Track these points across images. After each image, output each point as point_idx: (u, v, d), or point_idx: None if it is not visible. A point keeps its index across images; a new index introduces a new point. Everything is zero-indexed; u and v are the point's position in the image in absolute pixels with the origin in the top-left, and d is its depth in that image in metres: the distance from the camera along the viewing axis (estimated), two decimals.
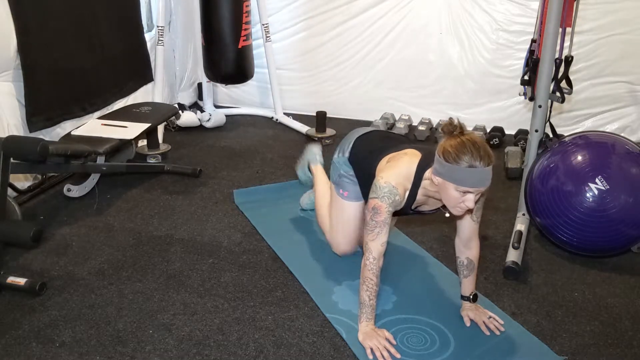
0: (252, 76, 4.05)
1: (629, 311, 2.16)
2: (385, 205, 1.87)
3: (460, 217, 1.95)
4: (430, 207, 2.04)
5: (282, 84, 4.36)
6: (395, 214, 2.02)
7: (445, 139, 1.75)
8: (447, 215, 1.94)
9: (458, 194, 1.74)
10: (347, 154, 2.26)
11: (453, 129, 1.74)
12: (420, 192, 1.93)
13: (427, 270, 2.39)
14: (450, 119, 1.77)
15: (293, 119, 4.23)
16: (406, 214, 2.09)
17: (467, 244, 2.03)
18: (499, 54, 3.95)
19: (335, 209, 2.34)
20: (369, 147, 2.18)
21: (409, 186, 1.92)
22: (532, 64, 2.61)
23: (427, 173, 1.88)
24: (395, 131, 3.96)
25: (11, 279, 2.16)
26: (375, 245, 1.90)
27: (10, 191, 2.54)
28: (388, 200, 1.87)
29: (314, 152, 2.75)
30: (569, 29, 2.58)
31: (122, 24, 3.60)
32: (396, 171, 1.92)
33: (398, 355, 1.85)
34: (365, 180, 2.11)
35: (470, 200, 1.73)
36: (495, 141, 3.81)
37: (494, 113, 4.07)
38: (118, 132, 3.01)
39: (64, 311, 2.08)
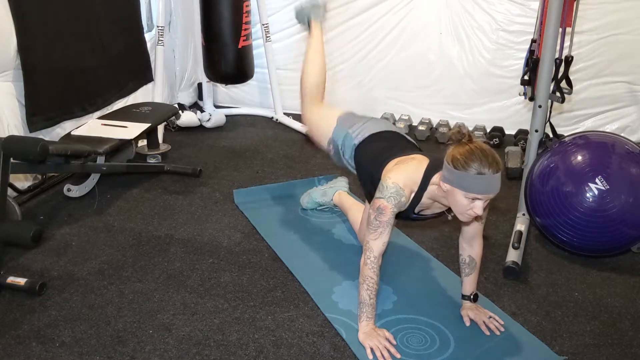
0: (252, 76, 4.05)
1: (629, 311, 2.16)
2: (391, 206, 1.87)
3: (468, 223, 1.96)
4: (434, 211, 2.04)
5: (282, 84, 4.35)
6: (397, 218, 2.02)
7: (454, 147, 1.76)
8: (450, 218, 1.94)
9: (467, 201, 1.75)
10: (356, 141, 2.22)
11: (461, 136, 1.76)
12: (425, 195, 1.92)
13: (427, 270, 2.39)
14: (459, 126, 1.79)
15: (293, 119, 4.22)
16: (409, 218, 2.08)
17: (470, 242, 2.04)
18: (499, 54, 3.95)
19: (321, 120, 2.41)
20: (378, 149, 2.15)
21: (416, 189, 1.92)
22: (532, 64, 2.61)
23: (435, 178, 1.88)
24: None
25: (11, 279, 2.16)
26: (377, 245, 1.90)
27: (10, 191, 2.54)
28: (394, 201, 1.87)
29: (319, 12, 2.63)
30: (569, 29, 2.58)
31: (122, 24, 3.59)
32: (404, 173, 1.92)
33: (398, 355, 1.85)
34: (367, 181, 2.11)
35: (478, 207, 1.74)
36: (495, 141, 3.81)
37: (494, 113, 4.07)
38: (118, 132, 3.01)
39: (64, 311, 2.08)
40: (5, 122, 2.75)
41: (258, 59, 4.19)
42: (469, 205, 1.75)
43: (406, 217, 2.05)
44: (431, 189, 1.90)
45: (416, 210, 1.99)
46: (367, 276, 1.91)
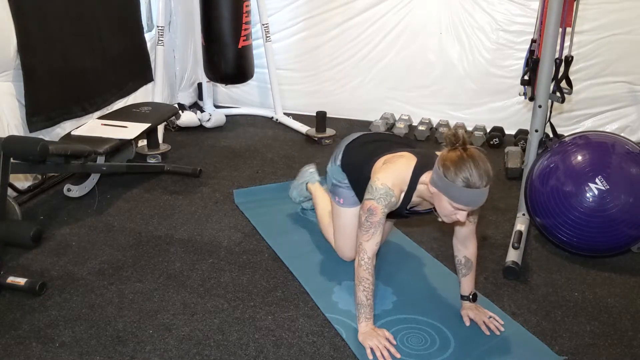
0: (252, 76, 4.06)
1: (629, 311, 2.16)
2: (381, 206, 1.87)
3: (453, 223, 1.96)
4: (425, 208, 2.05)
5: (282, 84, 4.36)
6: (391, 215, 2.03)
7: (447, 150, 1.75)
8: (440, 220, 1.95)
9: (451, 208, 1.76)
10: (338, 162, 2.27)
11: (456, 140, 1.73)
12: (415, 194, 1.94)
13: (427, 270, 2.39)
14: (456, 129, 1.77)
15: (293, 119, 4.23)
16: (402, 216, 2.09)
17: (464, 243, 2.04)
18: (499, 54, 3.95)
19: (335, 217, 2.37)
20: (361, 152, 2.18)
21: (405, 188, 1.92)
22: (532, 64, 2.61)
23: (424, 177, 1.88)
24: (395, 131, 3.96)
25: (11, 279, 2.16)
26: (370, 246, 1.90)
27: (10, 191, 2.54)
28: (384, 201, 1.87)
29: (310, 172, 2.75)
30: (569, 29, 2.58)
31: (122, 24, 3.60)
32: (393, 173, 1.92)
33: (398, 355, 1.85)
34: (361, 184, 2.10)
35: (462, 215, 1.76)
36: (495, 141, 3.81)
37: (494, 113, 4.07)
38: (118, 132, 3.01)
39: (64, 311, 2.09)
40: (5, 122, 2.76)
41: (258, 59, 4.20)
42: (453, 211, 1.77)
43: (399, 215, 2.06)
44: (420, 188, 1.91)
45: (408, 207, 2.00)
46: (363, 277, 1.91)
